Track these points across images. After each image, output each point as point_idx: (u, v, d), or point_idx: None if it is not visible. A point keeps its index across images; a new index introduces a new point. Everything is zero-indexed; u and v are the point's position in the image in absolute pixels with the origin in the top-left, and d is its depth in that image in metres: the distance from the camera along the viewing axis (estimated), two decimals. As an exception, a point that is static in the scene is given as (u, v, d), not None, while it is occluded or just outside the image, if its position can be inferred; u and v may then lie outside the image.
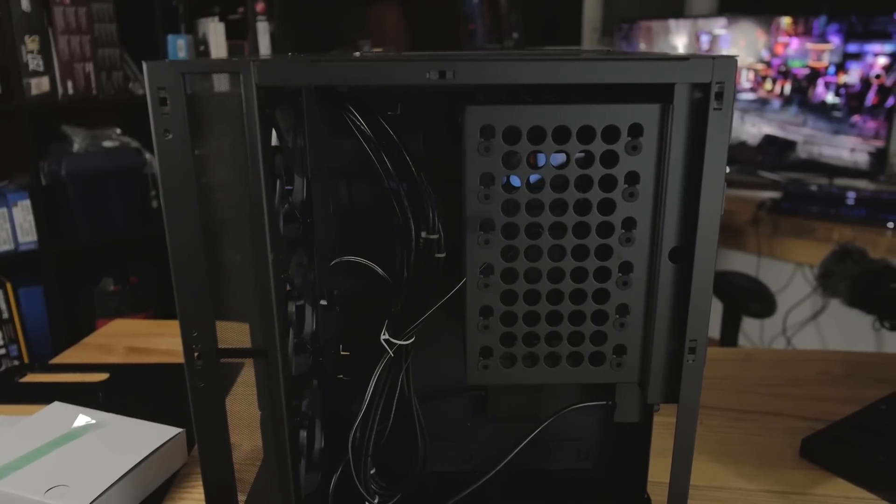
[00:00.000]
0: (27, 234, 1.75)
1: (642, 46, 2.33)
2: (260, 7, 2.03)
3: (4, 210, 1.72)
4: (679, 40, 2.29)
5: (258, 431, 0.61)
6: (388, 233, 0.55)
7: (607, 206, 0.45)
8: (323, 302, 0.57)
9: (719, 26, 2.24)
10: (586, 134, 0.44)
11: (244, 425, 0.59)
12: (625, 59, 0.41)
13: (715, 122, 0.42)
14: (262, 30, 2.04)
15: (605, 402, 0.56)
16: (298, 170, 0.53)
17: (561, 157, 0.44)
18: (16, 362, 1.78)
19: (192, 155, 0.41)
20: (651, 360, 0.47)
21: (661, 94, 0.43)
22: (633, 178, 0.44)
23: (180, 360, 0.94)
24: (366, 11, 2.63)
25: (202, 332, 0.44)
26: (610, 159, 0.44)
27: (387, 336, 0.52)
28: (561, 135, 0.44)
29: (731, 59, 0.41)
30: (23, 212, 1.74)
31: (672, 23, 2.32)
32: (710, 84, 0.41)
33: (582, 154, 0.44)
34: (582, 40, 2.89)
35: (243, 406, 0.57)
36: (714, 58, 0.41)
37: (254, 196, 0.42)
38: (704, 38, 2.25)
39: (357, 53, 0.51)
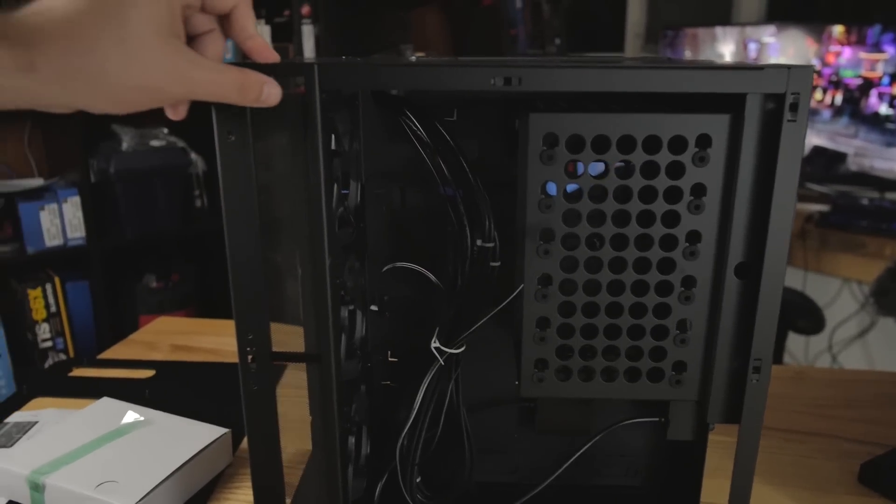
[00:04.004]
0: (76, 229, 1.79)
1: (687, 54, 2.29)
2: (305, 10, 2.05)
3: (55, 206, 1.76)
4: (726, 48, 2.25)
5: (301, 434, 0.61)
6: (441, 239, 0.55)
7: (671, 218, 0.44)
8: (373, 307, 0.57)
9: (768, 34, 2.19)
10: (652, 144, 0.42)
11: (289, 428, 0.59)
12: (697, 68, 0.40)
13: (789, 135, 0.40)
14: (307, 33, 2.06)
15: (657, 419, 0.55)
16: (353, 174, 0.53)
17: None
18: (62, 355, 1.82)
19: (253, 157, 0.41)
20: (712, 379, 0.46)
21: (728, 103, 0.42)
22: (699, 189, 0.43)
23: (224, 358, 0.95)
24: (408, 16, 2.64)
25: (257, 336, 0.44)
26: (676, 170, 0.43)
27: (437, 344, 0.51)
28: (626, 144, 0.42)
29: (808, 69, 0.40)
30: (72, 208, 1.78)
31: (719, 30, 2.28)
32: (784, 95, 0.40)
33: (639, 164, 0.43)
34: (625, 47, 2.86)
35: (287, 408, 0.57)
36: (790, 67, 0.39)
37: (313, 200, 0.42)
38: (752, 47, 2.21)
39: (413, 57, 0.51)
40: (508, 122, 0.53)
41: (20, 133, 1.90)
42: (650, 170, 0.43)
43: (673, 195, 0.43)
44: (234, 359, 0.44)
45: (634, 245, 0.44)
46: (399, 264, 0.54)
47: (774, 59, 2.18)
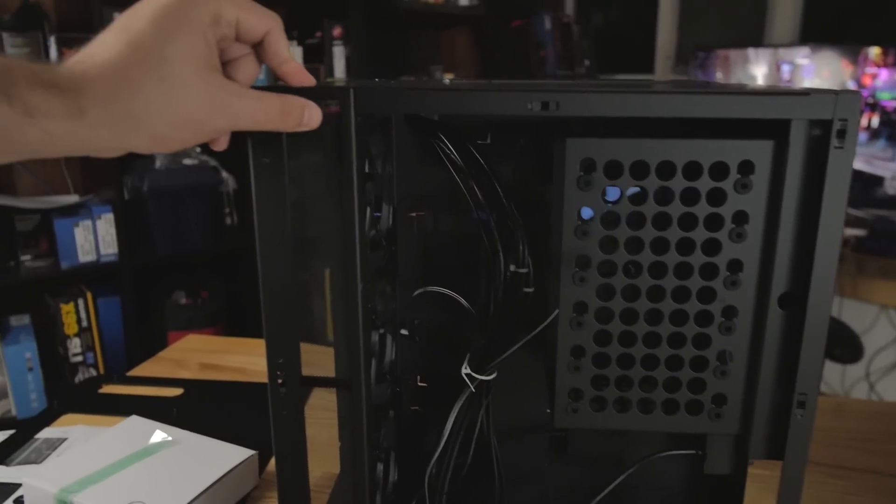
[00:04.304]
0: (108, 246, 1.81)
1: (719, 76, 2.27)
2: (337, 32, 2.08)
3: (89, 223, 1.79)
4: (758, 70, 2.22)
5: (328, 456, 0.60)
6: (473, 264, 0.54)
7: (712, 247, 0.42)
8: (404, 331, 0.56)
9: (802, 56, 2.16)
10: (693, 170, 0.41)
11: (316, 450, 0.58)
12: (741, 94, 0.39)
13: (836, 162, 0.39)
14: (338, 54, 2.09)
15: (694, 452, 0.53)
16: (386, 197, 0.53)
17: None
18: (92, 369, 1.84)
19: (287, 180, 0.41)
20: (754, 413, 0.44)
21: (771, 129, 0.41)
22: (741, 217, 0.42)
23: (251, 378, 0.95)
24: (438, 37, 2.66)
25: (287, 359, 0.44)
26: (717, 197, 0.42)
27: (468, 370, 0.50)
28: (665, 170, 0.42)
29: (856, 95, 0.38)
30: (106, 225, 1.80)
31: (751, 52, 2.26)
32: (831, 121, 0.39)
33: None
34: (655, 69, 2.84)
35: (314, 430, 0.56)
36: (837, 93, 0.38)
37: (347, 226, 0.41)
38: (785, 68, 2.18)
39: (448, 81, 0.50)
40: (543, 146, 0.53)
41: (58, 151, 1.94)
42: (690, 196, 0.42)
43: (714, 222, 0.42)
44: (262, 378, 0.44)
45: (673, 273, 0.43)
46: (430, 288, 0.54)
47: (808, 81, 2.15)
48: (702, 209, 0.42)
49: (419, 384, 0.59)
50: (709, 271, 0.43)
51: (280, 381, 0.44)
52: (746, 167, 0.41)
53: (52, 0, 1.83)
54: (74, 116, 0.33)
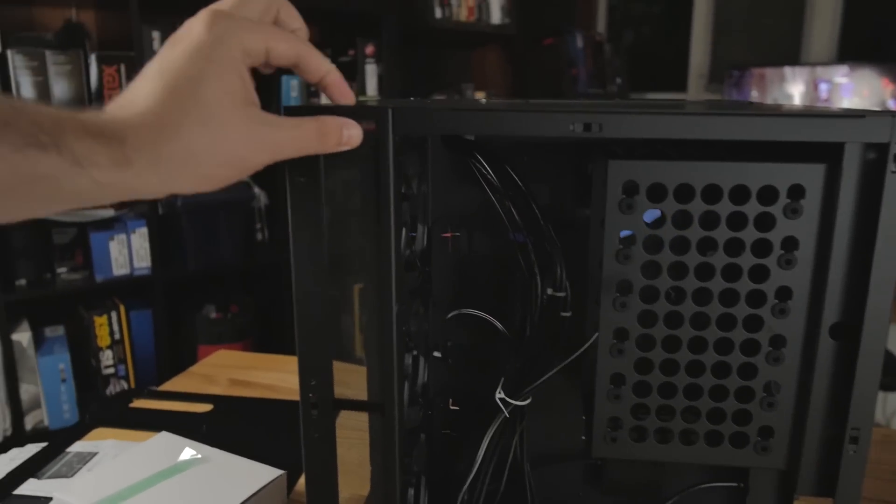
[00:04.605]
0: (142, 259, 1.84)
1: (754, 95, 2.24)
2: (369, 50, 2.10)
3: (124, 237, 1.82)
4: (795, 89, 2.19)
5: (357, 477, 0.59)
6: (508, 286, 0.53)
7: (760, 273, 0.41)
8: (436, 353, 0.56)
9: (840, 74, 2.13)
10: (740, 194, 0.40)
11: (345, 471, 0.57)
12: (792, 116, 0.37)
13: (893, 187, 0.37)
14: (371, 72, 2.11)
15: (736, 485, 0.51)
16: (421, 217, 0.52)
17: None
18: (123, 381, 1.86)
19: (323, 201, 0.41)
20: (803, 448, 0.42)
21: (822, 152, 0.39)
22: (790, 243, 0.40)
23: (280, 395, 0.94)
24: (469, 55, 2.67)
25: (320, 382, 0.43)
26: (765, 222, 0.40)
27: (502, 395, 0.49)
28: (711, 194, 0.40)
29: (914, 118, 0.37)
30: (140, 239, 1.83)
31: (787, 70, 2.22)
32: (888, 144, 0.37)
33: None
34: (687, 87, 2.82)
35: (344, 450, 0.56)
36: (895, 115, 0.37)
37: (383, 247, 0.41)
38: (823, 87, 2.14)
39: (483, 100, 0.50)
40: (581, 166, 0.52)
41: (95, 165, 1.98)
42: (737, 221, 0.40)
43: (762, 248, 0.40)
44: (291, 396, 0.43)
45: (719, 300, 0.41)
46: (464, 311, 0.53)
47: (847, 100, 2.11)
48: (749, 234, 0.40)
49: (451, 407, 0.58)
50: (756, 299, 0.41)
51: (312, 403, 0.44)
52: (797, 191, 0.40)
53: (93, 19, 1.88)
54: (121, 165, 0.33)
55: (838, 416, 0.41)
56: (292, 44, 0.38)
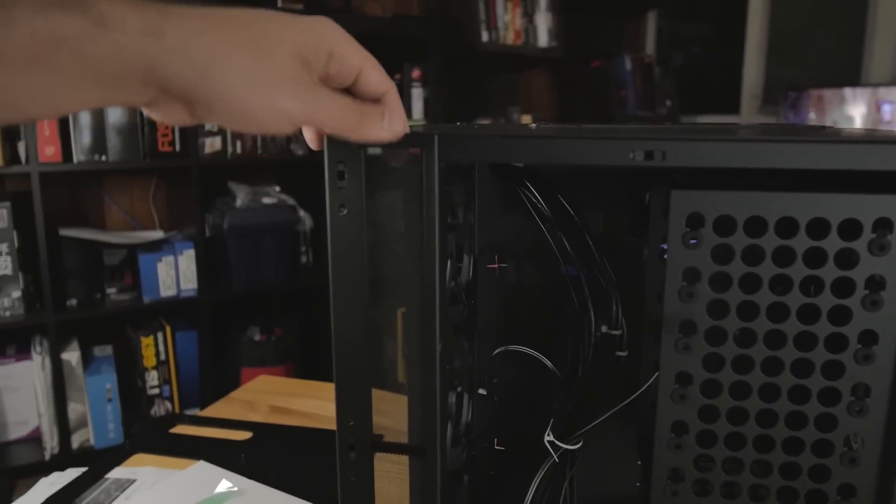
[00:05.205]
0: (188, 281, 1.86)
1: (812, 117, 2.17)
2: (416, 74, 2.10)
3: (171, 258, 1.85)
4: (856, 110, 2.11)
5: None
6: (558, 321, 0.50)
7: (841, 315, 0.37)
8: (481, 391, 0.53)
9: (904, 96, 2.04)
10: (818, 227, 0.36)
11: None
12: (877, 142, 0.34)
13: None
14: (416, 95, 2.11)
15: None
16: (466, 247, 0.50)
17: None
18: (167, 402, 1.88)
19: (365, 232, 0.39)
20: (891, 509, 0.38)
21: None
22: (876, 282, 0.36)
23: (320, 424, 0.92)
24: (515, 78, 2.65)
25: (358, 423, 0.41)
26: (847, 258, 0.36)
27: (551, 438, 0.46)
28: (786, 227, 0.37)
29: None
30: (187, 261, 1.86)
31: (847, 91, 2.14)
32: None
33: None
34: (740, 109, 2.75)
35: (381, 485, 0.53)
36: None
37: (427, 282, 0.38)
38: (886, 108, 2.06)
39: (532, 125, 0.47)
40: (637, 195, 0.49)
41: (147, 187, 2.02)
42: (815, 257, 0.37)
43: (843, 287, 0.37)
44: (331, 425, 0.41)
45: (793, 344, 0.38)
46: (512, 347, 0.50)
47: (912, 122, 2.02)
48: (829, 272, 0.37)
49: (496, 448, 0.55)
50: (837, 343, 0.37)
51: (350, 445, 0.41)
52: (884, 225, 0.36)
53: None
54: (152, 34, 0.32)
55: (932, 476, 0.37)
56: (359, 50, 0.37)
